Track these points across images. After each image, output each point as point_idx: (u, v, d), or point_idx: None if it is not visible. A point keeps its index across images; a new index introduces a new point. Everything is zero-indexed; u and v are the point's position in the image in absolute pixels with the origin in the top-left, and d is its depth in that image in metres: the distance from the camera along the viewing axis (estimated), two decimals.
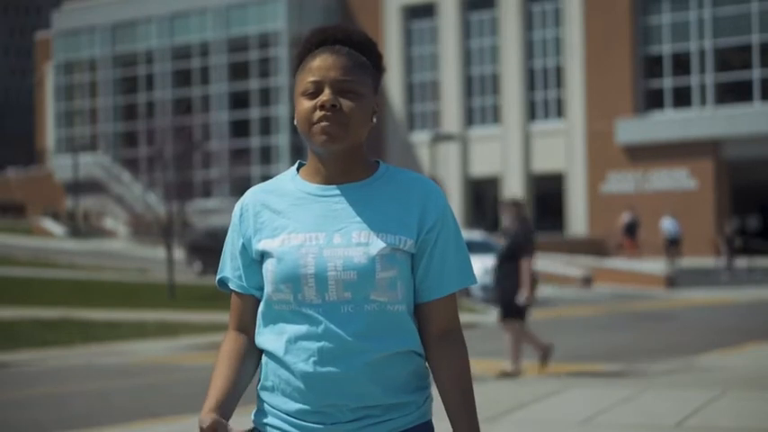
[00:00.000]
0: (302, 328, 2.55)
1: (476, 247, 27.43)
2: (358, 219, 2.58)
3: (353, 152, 2.62)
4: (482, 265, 26.39)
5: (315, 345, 2.53)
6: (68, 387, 12.28)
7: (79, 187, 50.67)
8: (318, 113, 2.56)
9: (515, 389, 10.79)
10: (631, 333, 18.64)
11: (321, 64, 2.59)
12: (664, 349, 15.28)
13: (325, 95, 2.56)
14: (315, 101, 2.57)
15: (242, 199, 2.70)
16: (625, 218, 36.87)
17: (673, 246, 35.30)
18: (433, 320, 2.64)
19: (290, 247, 2.57)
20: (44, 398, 11.27)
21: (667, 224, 35.53)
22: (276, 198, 2.65)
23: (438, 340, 2.64)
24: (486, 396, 10.28)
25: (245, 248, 2.65)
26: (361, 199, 2.60)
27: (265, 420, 2.62)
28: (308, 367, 2.53)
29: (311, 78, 2.59)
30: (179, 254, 33.06)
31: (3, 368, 14.45)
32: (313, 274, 2.53)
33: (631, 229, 36.65)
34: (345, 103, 2.56)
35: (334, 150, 2.58)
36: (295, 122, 2.64)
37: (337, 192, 2.61)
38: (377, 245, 2.55)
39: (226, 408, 2.57)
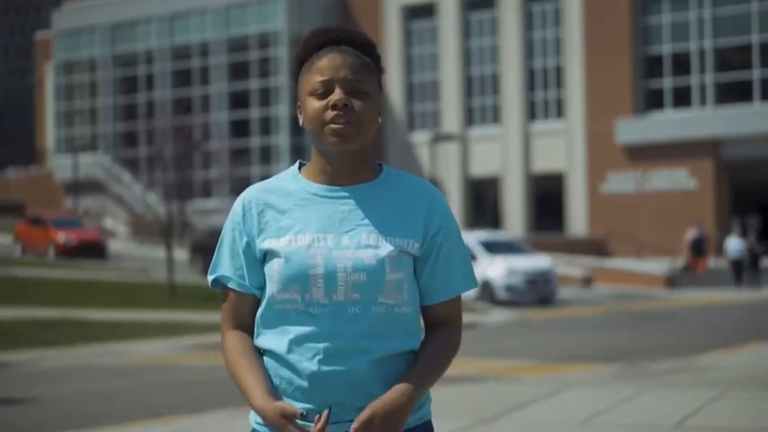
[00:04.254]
0: (307, 328, 2.54)
1: (500, 248, 27.60)
2: (366, 221, 2.58)
3: (361, 153, 2.62)
4: (506, 266, 26.39)
5: (320, 344, 2.53)
6: (68, 387, 12.27)
7: (79, 187, 50.65)
8: (331, 113, 2.55)
9: (515, 389, 10.79)
10: (631, 333, 18.64)
11: (330, 63, 2.58)
12: (664, 349, 15.28)
13: (337, 95, 2.55)
14: (325, 100, 2.56)
15: (242, 197, 2.67)
16: (691, 234, 33.75)
17: (737, 268, 32.35)
18: (436, 322, 2.66)
19: (297, 247, 2.56)
20: (44, 398, 11.26)
21: (734, 244, 32.58)
22: (279, 198, 2.63)
23: (433, 330, 2.65)
24: (486, 396, 10.29)
25: (248, 247, 2.63)
26: (368, 201, 2.60)
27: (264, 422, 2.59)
28: (313, 366, 2.52)
29: (320, 78, 2.57)
30: (181, 254, 33.05)
31: (3, 368, 14.44)
32: (322, 275, 2.53)
33: (698, 246, 33.44)
34: (356, 103, 2.56)
35: (346, 150, 2.58)
36: (300, 123, 2.64)
37: (344, 193, 2.61)
38: (386, 247, 2.55)
39: (273, 393, 2.54)
